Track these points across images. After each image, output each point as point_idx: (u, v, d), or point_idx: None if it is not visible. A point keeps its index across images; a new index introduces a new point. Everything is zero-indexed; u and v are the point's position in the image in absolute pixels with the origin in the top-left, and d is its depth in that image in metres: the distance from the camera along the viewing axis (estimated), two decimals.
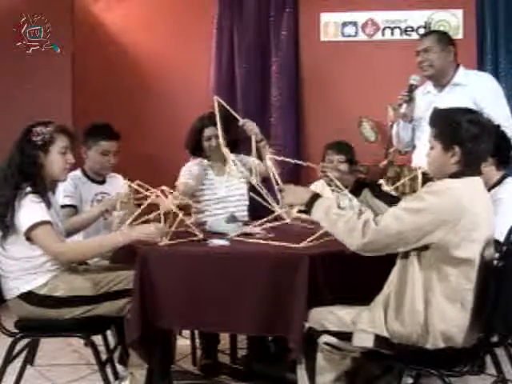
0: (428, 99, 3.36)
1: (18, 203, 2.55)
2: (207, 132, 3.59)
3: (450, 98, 3.11)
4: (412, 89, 3.35)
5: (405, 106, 3.34)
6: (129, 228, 2.70)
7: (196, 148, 3.65)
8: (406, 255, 2.18)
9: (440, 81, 3.35)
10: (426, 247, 2.12)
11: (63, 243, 2.65)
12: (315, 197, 2.35)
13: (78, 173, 3.40)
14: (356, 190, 2.56)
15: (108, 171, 3.49)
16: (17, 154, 2.63)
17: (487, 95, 3.20)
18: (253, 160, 3.46)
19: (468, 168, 2.18)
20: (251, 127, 3.42)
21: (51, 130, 2.67)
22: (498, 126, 2.75)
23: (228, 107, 3.22)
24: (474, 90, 3.22)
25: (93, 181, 3.44)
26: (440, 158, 2.21)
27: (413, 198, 2.21)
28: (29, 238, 2.57)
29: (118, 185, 3.50)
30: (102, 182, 3.48)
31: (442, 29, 4.31)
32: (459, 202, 2.09)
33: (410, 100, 3.35)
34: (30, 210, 2.55)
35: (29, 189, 2.58)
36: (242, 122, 3.40)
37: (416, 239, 2.11)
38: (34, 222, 2.54)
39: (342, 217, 2.21)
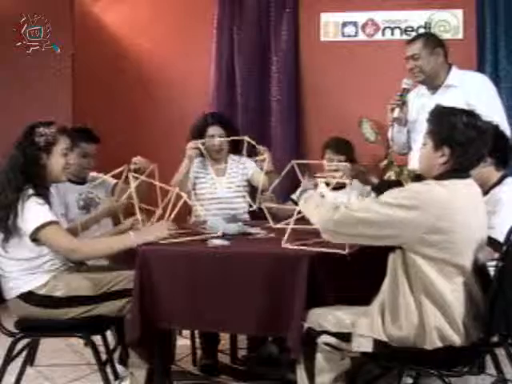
0: (421, 102, 3.36)
1: (22, 206, 2.55)
2: (210, 131, 3.60)
3: (444, 100, 3.08)
4: (404, 93, 3.34)
5: (398, 110, 3.33)
6: (142, 230, 2.70)
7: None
8: (394, 260, 2.18)
9: (433, 83, 3.34)
10: (405, 250, 2.12)
11: (75, 240, 2.62)
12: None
13: None
14: (379, 190, 2.58)
15: (87, 173, 3.53)
16: (19, 155, 2.63)
17: (480, 96, 3.18)
18: (253, 166, 3.49)
19: (454, 171, 2.17)
20: (267, 158, 3.25)
21: (54, 131, 2.66)
22: (497, 127, 2.74)
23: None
24: (467, 90, 3.21)
25: (74, 182, 3.47)
26: (429, 156, 2.21)
27: (388, 194, 2.18)
28: (35, 239, 2.57)
29: (98, 184, 3.52)
30: (84, 183, 3.52)
31: (441, 29, 4.32)
32: (435, 205, 2.08)
33: (403, 104, 3.34)
34: (35, 212, 2.55)
35: (31, 191, 2.57)
36: (260, 148, 3.32)
37: (380, 233, 2.12)
38: (41, 222, 2.54)
39: (318, 201, 2.35)
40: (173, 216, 2.79)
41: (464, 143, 2.13)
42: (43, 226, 2.54)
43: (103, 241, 2.75)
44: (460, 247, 2.11)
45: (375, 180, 2.85)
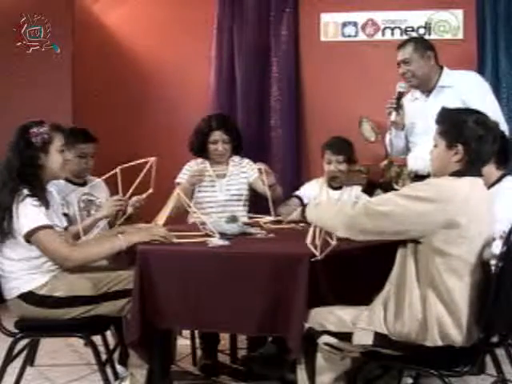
0: (416, 105, 3.36)
1: (16, 207, 2.54)
2: (213, 136, 3.60)
3: (438, 101, 3.09)
4: (400, 96, 3.34)
5: (394, 113, 3.33)
6: (130, 232, 2.70)
7: (200, 149, 3.66)
8: (404, 253, 2.19)
9: (425, 87, 3.34)
10: (418, 243, 2.13)
11: (68, 248, 2.59)
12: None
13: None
14: (369, 190, 2.58)
15: (87, 173, 3.53)
16: (15, 157, 2.61)
17: (474, 94, 3.19)
18: (255, 172, 3.49)
19: (469, 168, 2.19)
20: (268, 176, 3.30)
21: (48, 129, 2.65)
22: (498, 125, 2.75)
23: None
24: (460, 90, 3.21)
25: (75, 184, 3.47)
26: (443, 156, 2.23)
27: (409, 187, 2.24)
28: (29, 241, 2.56)
29: (99, 186, 3.54)
30: (84, 185, 3.52)
31: (441, 29, 4.32)
32: (454, 199, 2.10)
33: (399, 107, 3.34)
34: (28, 214, 2.54)
35: (27, 192, 2.56)
36: (259, 165, 3.34)
37: (398, 227, 2.12)
38: (34, 226, 2.53)
39: (332, 205, 2.34)
40: (164, 219, 2.80)
41: (476, 140, 2.16)
42: (36, 230, 2.53)
43: (94, 246, 2.70)
44: (473, 244, 2.13)
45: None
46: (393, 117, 3.34)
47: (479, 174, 2.24)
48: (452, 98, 3.08)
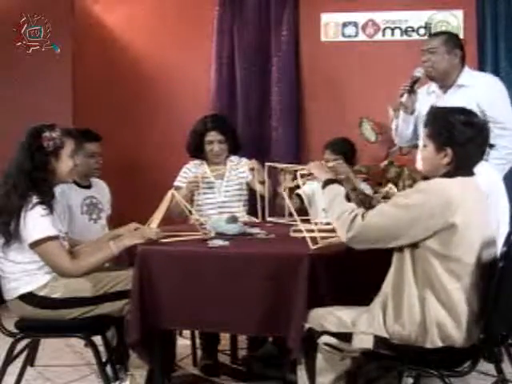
0: (431, 100, 3.33)
1: (25, 214, 2.54)
2: (209, 136, 3.60)
3: (454, 100, 3.05)
4: (415, 80, 3.30)
5: (406, 96, 3.30)
6: (121, 237, 2.71)
7: (197, 150, 3.66)
8: (401, 255, 2.19)
9: (443, 83, 3.31)
10: (415, 245, 2.13)
11: (69, 263, 2.60)
12: (333, 180, 2.40)
13: None
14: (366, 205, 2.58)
15: (96, 173, 3.53)
16: (26, 160, 2.60)
17: (490, 97, 3.16)
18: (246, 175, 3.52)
19: (459, 169, 2.19)
20: (258, 173, 3.42)
21: (60, 134, 2.65)
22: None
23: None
24: (477, 91, 3.18)
25: (79, 186, 3.47)
26: (432, 158, 2.22)
27: (400, 195, 2.24)
28: (32, 248, 2.57)
29: (103, 189, 3.54)
30: (89, 187, 3.51)
31: (442, 29, 4.31)
32: (447, 200, 2.09)
33: (412, 91, 3.30)
34: (38, 225, 2.54)
35: (36, 199, 2.56)
36: (250, 164, 3.46)
37: (398, 235, 2.13)
38: (41, 237, 2.54)
39: (340, 208, 2.26)
40: (158, 220, 2.79)
41: (465, 142, 2.15)
42: (42, 242, 2.54)
43: (89, 257, 2.68)
44: (471, 245, 2.12)
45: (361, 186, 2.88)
46: (404, 98, 3.30)
47: (471, 174, 2.23)
48: (467, 98, 3.03)
